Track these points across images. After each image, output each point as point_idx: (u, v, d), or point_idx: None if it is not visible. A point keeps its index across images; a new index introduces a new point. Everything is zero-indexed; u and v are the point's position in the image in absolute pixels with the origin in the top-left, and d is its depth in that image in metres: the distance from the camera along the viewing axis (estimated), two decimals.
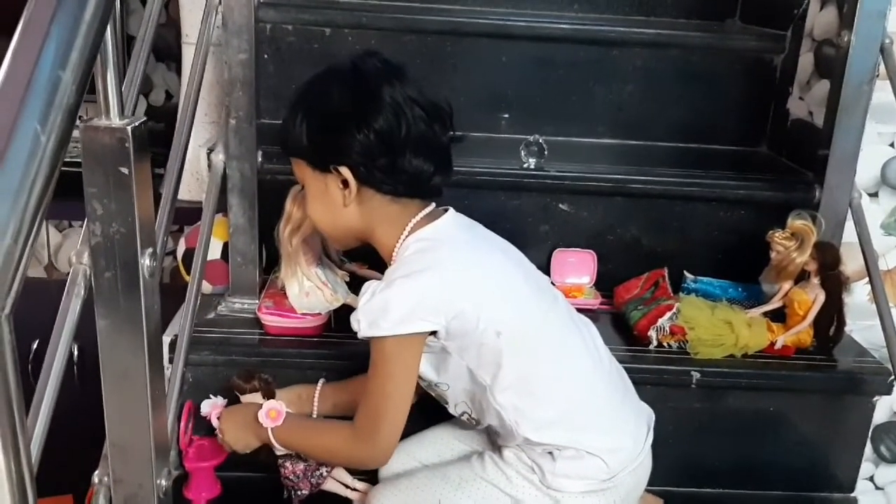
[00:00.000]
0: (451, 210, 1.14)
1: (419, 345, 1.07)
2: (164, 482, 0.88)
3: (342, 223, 1.12)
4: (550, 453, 1.09)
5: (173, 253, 1.64)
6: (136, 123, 0.76)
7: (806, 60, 1.63)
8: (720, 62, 1.71)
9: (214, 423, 1.24)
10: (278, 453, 1.21)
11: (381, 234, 1.12)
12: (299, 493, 1.25)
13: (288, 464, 1.24)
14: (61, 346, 0.82)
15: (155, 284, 0.83)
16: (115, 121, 0.75)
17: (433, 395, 1.17)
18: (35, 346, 1.65)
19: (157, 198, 1.13)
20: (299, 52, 1.61)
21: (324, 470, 1.25)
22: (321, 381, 1.29)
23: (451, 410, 1.18)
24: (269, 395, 1.25)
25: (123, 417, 0.84)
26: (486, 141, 1.67)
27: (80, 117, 0.68)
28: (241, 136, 1.33)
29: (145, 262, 0.80)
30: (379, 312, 1.03)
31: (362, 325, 1.05)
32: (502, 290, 1.10)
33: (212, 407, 1.25)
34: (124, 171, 0.75)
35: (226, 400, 1.26)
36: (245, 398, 1.25)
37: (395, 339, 1.04)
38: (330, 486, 1.27)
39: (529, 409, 1.08)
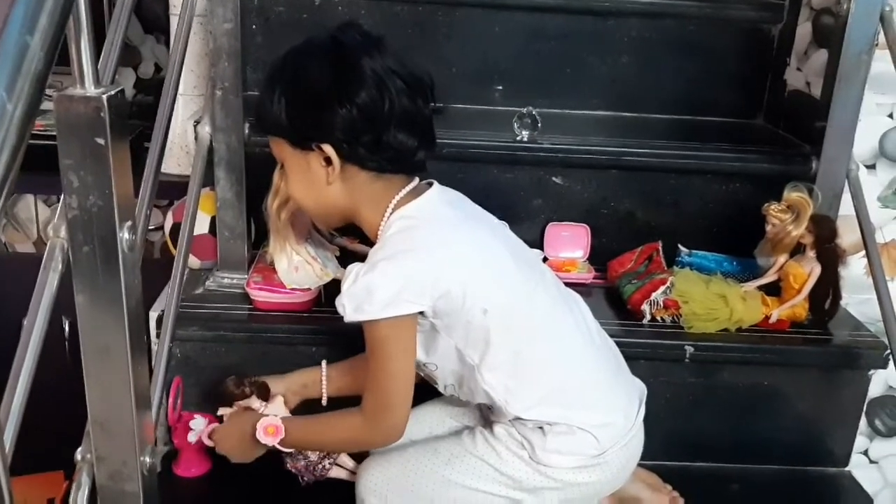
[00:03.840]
0: (436, 184, 1.12)
1: (412, 323, 1.05)
2: (148, 459, 0.87)
3: (326, 202, 1.10)
4: (541, 428, 1.08)
5: (162, 228, 1.62)
6: (113, 92, 0.74)
7: (804, 30, 1.61)
8: (717, 32, 1.68)
9: (207, 442, 1.23)
10: (282, 451, 1.20)
11: (365, 211, 1.09)
12: (305, 479, 1.25)
13: (288, 460, 1.24)
14: (38, 321, 0.81)
15: (135, 259, 0.81)
16: (91, 90, 0.72)
17: (422, 375, 1.15)
18: (25, 321, 1.65)
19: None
20: (288, 23, 1.58)
21: (327, 462, 1.24)
22: (324, 364, 1.27)
23: (441, 390, 1.17)
24: (263, 397, 1.23)
25: (105, 394, 0.83)
26: (480, 113, 1.65)
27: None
28: (227, 108, 1.31)
29: (124, 235, 0.78)
30: (363, 297, 1.01)
31: (347, 309, 1.03)
32: (487, 267, 1.08)
33: (199, 433, 1.24)
34: (100, 141, 0.73)
35: (208, 418, 1.25)
36: (240, 404, 1.24)
37: (386, 321, 1.02)
38: (335, 473, 1.27)
39: (519, 388, 1.07)
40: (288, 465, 1.24)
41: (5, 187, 0.57)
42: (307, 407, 1.26)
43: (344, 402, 1.21)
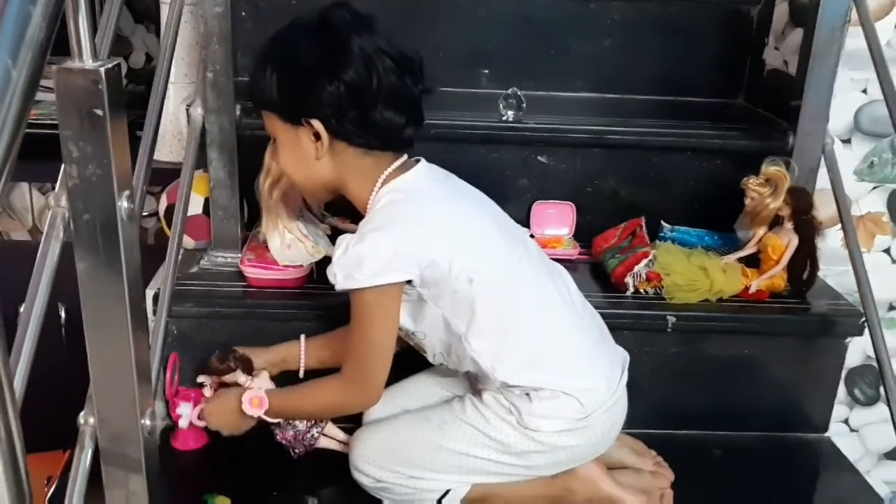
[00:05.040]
0: (423, 160, 1.16)
1: (397, 292, 1.09)
2: (148, 422, 0.90)
3: (315, 176, 1.13)
4: (527, 394, 1.12)
5: (156, 214, 1.65)
6: (110, 66, 0.76)
7: (781, 10, 1.65)
8: (697, 14, 1.72)
9: (198, 423, 1.27)
10: (271, 422, 1.25)
11: (354, 186, 1.13)
12: (295, 450, 1.28)
13: (278, 431, 1.27)
14: (42, 289, 0.83)
15: (134, 228, 0.84)
16: (88, 63, 0.75)
17: (412, 343, 1.19)
18: (22, 308, 1.67)
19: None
20: (277, 9, 1.61)
21: (315, 431, 1.28)
22: (303, 338, 1.31)
23: (431, 359, 1.20)
24: (248, 370, 1.27)
25: (106, 358, 0.86)
26: (467, 96, 1.69)
27: None
28: (218, 90, 1.34)
29: (123, 204, 0.80)
30: (353, 266, 1.05)
31: (338, 278, 1.07)
32: (473, 237, 1.12)
33: (189, 417, 1.28)
34: (98, 112, 0.76)
35: (192, 399, 1.29)
36: (226, 379, 1.28)
37: (372, 289, 1.06)
38: (324, 443, 1.30)
39: (505, 355, 1.11)
40: (278, 437, 1.27)
41: (11, 152, 0.60)
42: (287, 379, 1.31)
43: (321, 374, 1.25)
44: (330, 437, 1.31)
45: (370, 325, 1.09)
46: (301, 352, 1.30)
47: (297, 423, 1.27)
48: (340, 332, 1.27)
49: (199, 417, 1.28)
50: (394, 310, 1.09)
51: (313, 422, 1.27)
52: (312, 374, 1.29)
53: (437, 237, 1.08)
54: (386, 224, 1.07)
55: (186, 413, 1.29)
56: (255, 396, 1.20)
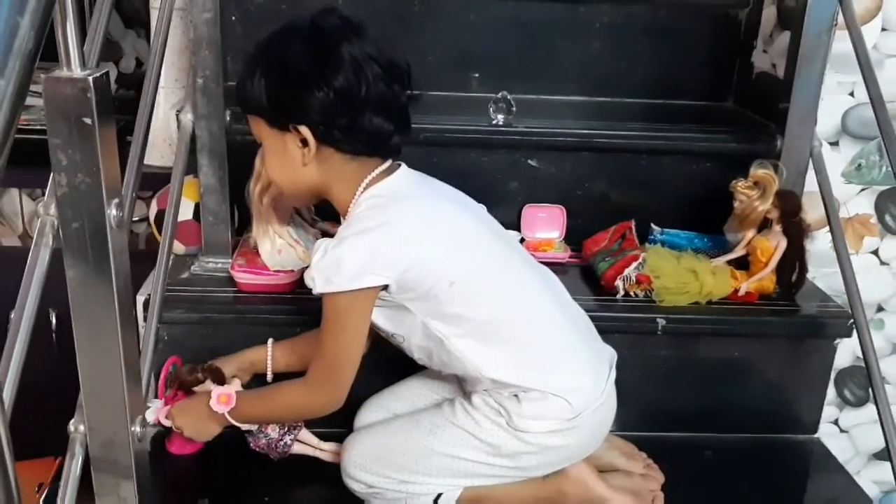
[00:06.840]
0: (404, 165, 1.16)
1: (371, 299, 1.09)
2: (138, 429, 0.90)
3: (300, 181, 1.13)
4: (516, 396, 1.12)
5: (147, 219, 1.65)
6: (98, 74, 0.77)
7: (769, 13, 1.66)
8: (686, 17, 1.73)
9: (164, 422, 1.25)
10: (243, 429, 1.24)
11: (337, 190, 1.13)
12: (272, 456, 1.29)
13: (251, 440, 1.27)
14: (31, 296, 0.84)
15: (123, 235, 0.85)
16: (77, 72, 0.76)
17: (394, 344, 1.19)
18: (12, 314, 1.67)
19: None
20: (267, 13, 1.61)
21: (288, 439, 1.28)
22: (270, 342, 1.31)
23: (415, 359, 1.20)
24: (220, 381, 1.27)
25: (96, 366, 0.86)
26: (457, 100, 1.69)
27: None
28: (208, 96, 1.34)
29: (112, 212, 0.81)
30: (332, 269, 1.05)
31: (317, 282, 1.07)
32: (454, 241, 1.12)
33: (156, 412, 1.25)
34: (87, 121, 0.76)
35: (162, 401, 1.27)
36: (198, 390, 1.27)
37: (347, 294, 1.06)
38: (298, 449, 1.30)
39: (490, 351, 1.11)
40: (251, 445, 1.27)
41: (1, 160, 0.61)
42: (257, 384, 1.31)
43: (289, 378, 1.24)
44: (304, 444, 1.31)
45: (342, 331, 1.09)
46: (267, 356, 1.31)
47: (269, 430, 1.27)
48: (307, 338, 1.28)
49: (167, 416, 1.25)
50: (366, 315, 1.10)
51: (286, 429, 1.28)
52: (281, 379, 1.28)
53: (416, 241, 1.08)
54: (365, 228, 1.07)
55: (155, 406, 1.26)
56: (224, 394, 1.20)
